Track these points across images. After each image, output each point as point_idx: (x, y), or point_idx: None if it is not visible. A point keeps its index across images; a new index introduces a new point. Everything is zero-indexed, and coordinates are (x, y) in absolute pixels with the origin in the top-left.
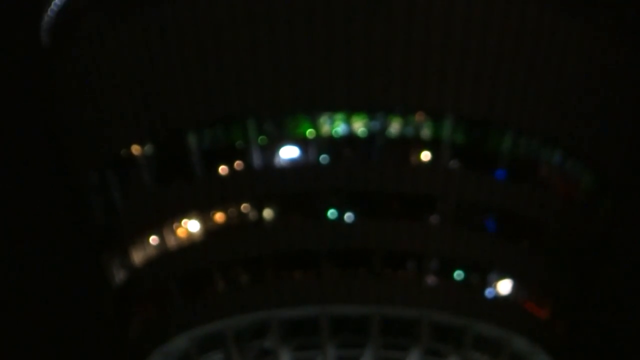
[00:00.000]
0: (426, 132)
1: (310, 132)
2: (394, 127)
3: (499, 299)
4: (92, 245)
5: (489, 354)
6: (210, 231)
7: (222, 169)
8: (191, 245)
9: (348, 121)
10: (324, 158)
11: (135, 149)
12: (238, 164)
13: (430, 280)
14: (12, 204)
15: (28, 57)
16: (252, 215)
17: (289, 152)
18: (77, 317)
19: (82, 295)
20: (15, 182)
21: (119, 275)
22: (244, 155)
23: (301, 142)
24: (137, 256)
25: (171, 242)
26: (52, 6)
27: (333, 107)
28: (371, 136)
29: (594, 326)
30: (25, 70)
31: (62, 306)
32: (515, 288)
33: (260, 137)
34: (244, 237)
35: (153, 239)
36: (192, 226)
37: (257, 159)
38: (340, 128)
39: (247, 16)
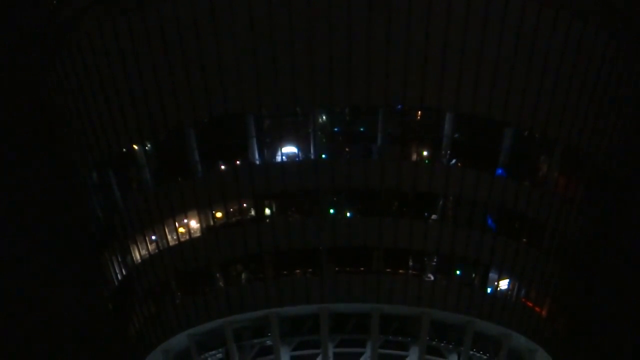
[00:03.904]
0: (426, 131)
1: (310, 130)
2: (394, 125)
3: (498, 297)
4: (93, 243)
5: (488, 352)
6: (210, 229)
7: (222, 167)
8: (191, 243)
9: (348, 119)
10: (323, 156)
11: (135, 148)
12: (238, 162)
13: (430, 278)
14: (13, 203)
15: (28, 57)
16: (252, 213)
17: (288, 150)
18: (78, 315)
19: (82, 293)
20: (16, 181)
21: (119, 273)
22: (244, 153)
23: (301, 139)
24: (137, 254)
25: (171, 239)
26: (53, 5)
27: (333, 105)
28: (371, 134)
29: (593, 324)
30: (26, 69)
31: (62, 304)
32: (515, 286)
33: (260, 135)
34: (244, 235)
35: (153, 237)
36: (192, 224)
37: (256, 157)
38: (340, 126)
39: (247, 15)
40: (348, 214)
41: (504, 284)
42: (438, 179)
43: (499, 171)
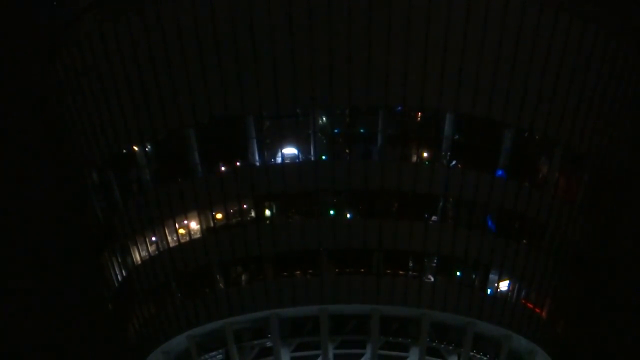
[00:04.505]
0: (426, 131)
1: (310, 131)
2: (394, 126)
3: (499, 298)
4: (93, 244)
5: (489, 353)
6: (210, 230)
7: (222, 168)
8: (191, 244)
9: (348, 120)
10: (323, 157)
11: (135, 148)
12: (238, 163)
13: (430, 279)
14: (13, 203)
15: (28, 57)
16: (252, 214)
17: (288, 151)
18: (77, 316)
19: (82, 294)
20: (16, 181)
21: (120, 274)
22: (244, 154)
23: (301, 141)
24: (137, 255)
25: (171, 241)
26: (52, 6)
27: (333, 106)
28: (371, 135)
29: (594, 325)
30: (26, 70)
31: (62, 305)
32: (515, 287)
33: (260, 136)
34: (244, 236)
35: (153, 238)
36: (192, 225)
37: (257, 158)
38: (340, 127)
39: (247, 16)
40: (348, 215)
41: (504, 285)
42: (438, 180)
43: (499, 172)
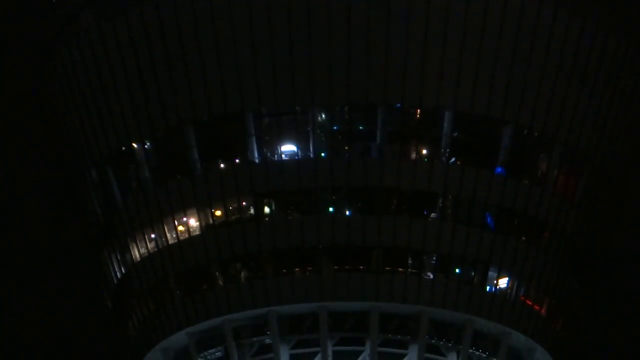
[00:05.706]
0: (425, 129)
1: (309, 129)
2: (393, 124)
3: (497, 295)
4: (92, 241)
5: (488, 350)
6: (209, 227)
7: (221, 166)
8: (190, 242)
9: (347, 118)
10: (323, 154)
11: (135, 146)
12: (237, 161)
13: (430, 276)
14: (12, 201)
15: (28, 57)
16: (251, 211)
17: (288, 149)
18: (77, 314)
19: (81, 291)
20: (16, 179)
21: (119, 272)
22: (243, 152)
23: (300, 138)
24: (137, 252)
25: (170, 238)
26: (52, 5)
27: (332, 103)
28: (370, 133)
29: (593, 323)
30: (25, 68)
31: (61, 303)
32: (514, 284)
33: (259, 133)
34: (243, 233)
35: (152, 235)
36: (191, 222)
37: (256, 155)
38: (339, 124)
39: (246, 14)
40: (347, 213)
41: (503, 282)
42: (437, 177)
43: (498, 169)
